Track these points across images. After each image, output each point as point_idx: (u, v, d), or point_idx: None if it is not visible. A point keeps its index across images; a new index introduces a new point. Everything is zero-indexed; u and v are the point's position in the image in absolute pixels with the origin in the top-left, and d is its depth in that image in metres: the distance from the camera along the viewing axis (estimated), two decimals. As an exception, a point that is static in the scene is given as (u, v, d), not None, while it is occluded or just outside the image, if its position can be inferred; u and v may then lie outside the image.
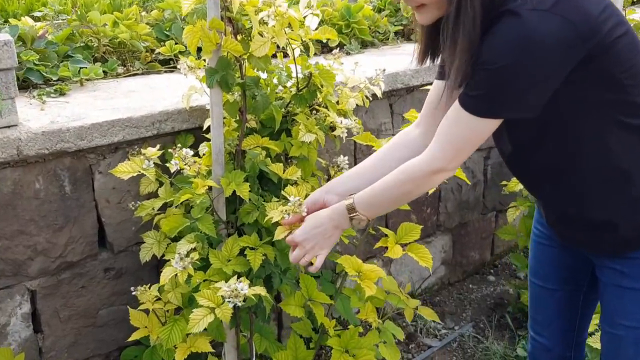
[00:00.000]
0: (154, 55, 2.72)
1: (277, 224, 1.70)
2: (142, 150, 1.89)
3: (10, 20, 2.70)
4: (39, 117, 2.02)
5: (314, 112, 2.10)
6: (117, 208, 2.15)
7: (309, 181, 2.03)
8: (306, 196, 1.68)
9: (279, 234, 1.63)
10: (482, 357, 2.84)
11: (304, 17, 1.89)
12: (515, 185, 2.82)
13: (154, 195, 2.04)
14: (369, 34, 3.29)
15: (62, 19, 2.90)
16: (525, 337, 2.92)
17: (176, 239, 1.90)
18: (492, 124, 1.34)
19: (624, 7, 3.49)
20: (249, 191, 1.80)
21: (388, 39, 3.40)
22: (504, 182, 2.97)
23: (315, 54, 2.06)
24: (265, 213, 1.79)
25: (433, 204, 3.22)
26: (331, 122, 2.04)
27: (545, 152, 1.45)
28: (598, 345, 1.97)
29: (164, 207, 2.02)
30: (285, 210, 1.66)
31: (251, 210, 1.84)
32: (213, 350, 1.88)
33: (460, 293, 3.41)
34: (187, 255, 1.77)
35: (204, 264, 1.85)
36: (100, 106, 2.15)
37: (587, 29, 1.23)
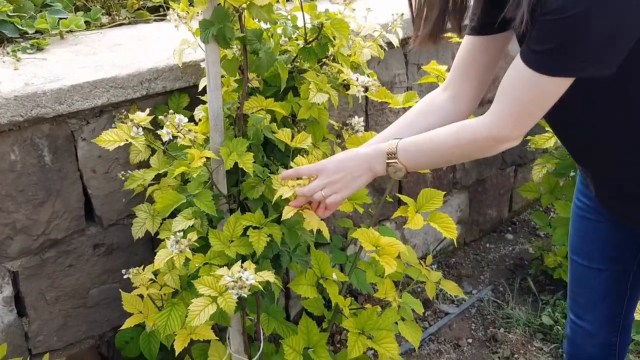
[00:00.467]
0: (142, 2, 2.45)
1: (287, 200, 1.50)
2: (130, 115, 1.67)
3: (-22, -36, 2.42)
4: (12, 78, 1.78)
5: (324, 66, 1.87)
6: (104, 178, 1.94)
7: (319, 147, 1.82)
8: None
9: (287, 214, 1.43)
10: (503, 324, 2.69)
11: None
12: (543, 142, 2.60)
13: (146, 163, 1.83)
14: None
15: (38, -38, 2.61)
16: (549, 303, 2.76)
17: (172, 214, 1.70)
18: (562, 84, 1.12)
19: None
20: (253, 162, 1.58)
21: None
22: (528, 137, 2.75)
23: (322, -1, 1.81)
24: (272, 187, 1.58)
25: (449, 161, 3.01)
26: (344, 79, 1.81)
27: (603, 118, 1.24)
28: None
29: (157, 177, 1.81)
30: (297, 185, 1.46)
31: (256, 184, 1.63)
32: (216, 338, 1.71)
33: (477, 254, 3.23)
34: (184, 235, 1.57)
35: (203, 244, 1.65)
36: (82, 63, 1.91)
37: None
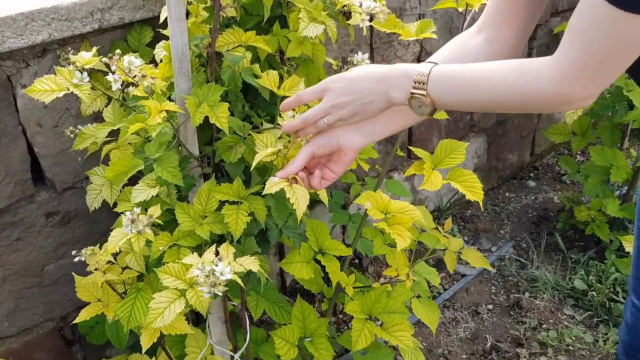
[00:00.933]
0: None
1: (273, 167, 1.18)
2: (72, 57, 1.32)
3: None
4: None
5: (319, -11, 1.50)
6: (53, 133, 1.61)
7: (315, 92, 1.46)
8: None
9: (271, 188, 1.10)
10: (528, 287, 2.40)
11: None
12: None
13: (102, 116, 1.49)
14: None
15: None
16: (580, 263, 2.46)
17: (136, 178, 1.37)
18: None
19: None
20: (230, 115, 1.24)
21: None
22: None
23: None
24: (254, 147, 1.25)
25: (467, 101, 2.65)
26: (344, 6, 1.44)
27: None
28: None
29: (116, 134, 1.47)
30: (284, 146, 1.14)
31: (233, 143, 1.29)
32: (192, 332, 1.41)
33: (496, 204, 2.92)
34: (144, 210, 1.25)
35: (172, 217, 1.33)
36: (15, -10, 1.54)
37: None
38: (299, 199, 1.12)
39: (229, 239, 1.27)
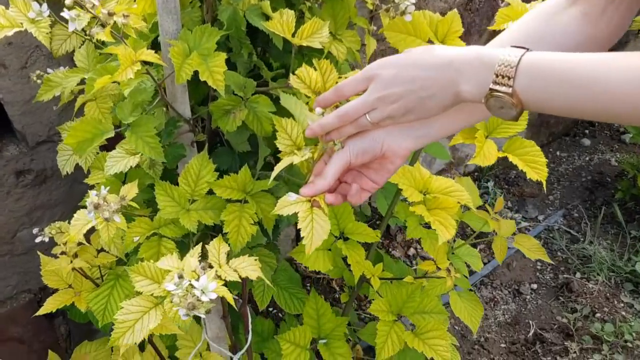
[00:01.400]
0: None
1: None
2: (28, -16, 1.02)
3: None
4: None
5: None
6: (20, 76, 1.33)
7: (342, 38, 1.15)
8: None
9: (284, 209, 0.83)
10: (580, 266, 2.10)
11: None
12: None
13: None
14: None
15: None
16: (642, 240, 2.16)
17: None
18: None
19: None
20: (232, 65, 0.95)
21: None
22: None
23: None
24: (258, 114, 0.96)
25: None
26: None
27: None
28: None
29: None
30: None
31: (232, 106, 0.99)
32: (182, 332, 1.15)
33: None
34: (113, 188, 0.98)
35: (153, 196, 1.05)
36: None
37: None
38: (316, 231, 0.84)
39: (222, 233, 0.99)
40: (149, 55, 0.91)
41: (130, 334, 0.92)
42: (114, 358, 1.36)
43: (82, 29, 0.93)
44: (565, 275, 2.07)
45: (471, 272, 2.10)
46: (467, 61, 0.75)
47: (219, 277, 0.88)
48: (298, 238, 1.94)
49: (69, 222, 1.09)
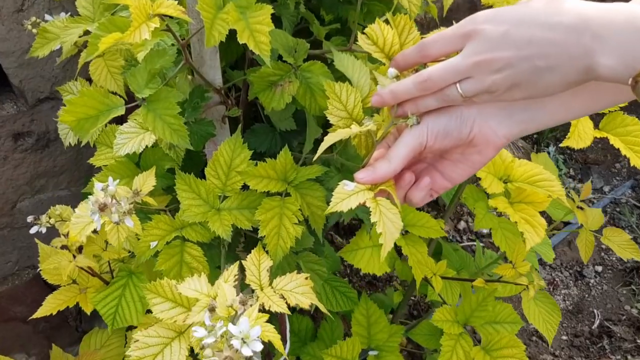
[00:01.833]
0: None
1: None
2: None
3: None
4: None
5: None
6: (16, 21, 1.11)
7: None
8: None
9: (340, 204, 0.61)
10: (651, 247, 1.88)
11: None
12: None
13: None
14: None
15: None
16: None
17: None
18: None
19: None
20: (276, 22, 0.72)
21: None
22: None
23: None
24: (312, 87, 0.73)
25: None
26: None
27: None
28: None
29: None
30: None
31: (278, 77, 0.76)
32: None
33: (611, 127, 2.33)
34: (125, 172, 0.78)
35: (174, 183, 0.84)
36: None
37: None
38: (387, 227, 0.62)
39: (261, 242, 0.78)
40: (171, 7, 0.68)
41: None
42: None
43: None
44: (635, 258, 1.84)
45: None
46: (613, 24, 0.53)
47: (262, 308, 0.68)
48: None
49: (78, 194, 0.90)
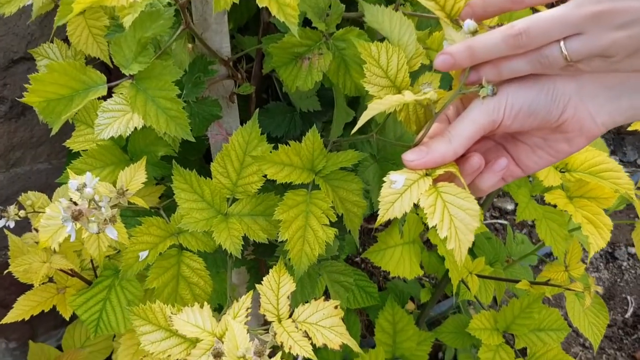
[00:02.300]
0: None
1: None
2: None
3: None
4: None
5: None
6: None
7: None
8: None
9: (389, 197, 0.46)
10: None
11: None
12: None
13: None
14: None
15: None
16: None
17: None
18: None
19: None
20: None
21: None
22: None
23: None
24: (347, 60, 0.58)
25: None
26: None
27: None
28: None
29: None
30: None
31: (307, 47, 0.60)
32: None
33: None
34: (107, 158, 0.63)
35: (169, 173, 0.69)
36: None
37: None
38: (458, 229, 0.47)
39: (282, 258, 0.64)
40: (166, -44, 0.51)
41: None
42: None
43: None
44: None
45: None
46: None
47: (282, 350, 0.54)
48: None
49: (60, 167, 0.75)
